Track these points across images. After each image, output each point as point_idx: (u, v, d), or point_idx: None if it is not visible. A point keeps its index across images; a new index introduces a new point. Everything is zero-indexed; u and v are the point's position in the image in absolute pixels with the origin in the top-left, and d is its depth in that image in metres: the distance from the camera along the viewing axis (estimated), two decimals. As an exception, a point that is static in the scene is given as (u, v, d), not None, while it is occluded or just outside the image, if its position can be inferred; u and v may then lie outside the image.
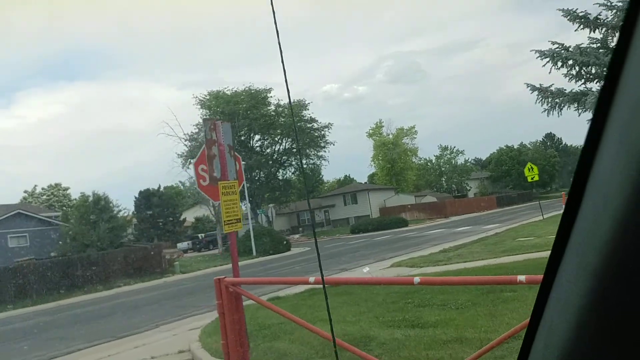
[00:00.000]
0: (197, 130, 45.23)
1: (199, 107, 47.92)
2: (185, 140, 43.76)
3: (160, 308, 16.39)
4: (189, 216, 55.09)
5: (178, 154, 44.80)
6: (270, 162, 49.83)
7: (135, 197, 48.02)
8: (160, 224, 46.91)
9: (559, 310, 0.84)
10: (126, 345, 10.31)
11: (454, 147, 77.26)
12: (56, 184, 64.88)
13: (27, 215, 37.18)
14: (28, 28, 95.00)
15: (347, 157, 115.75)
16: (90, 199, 34.15)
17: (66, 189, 64.67)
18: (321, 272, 2.55)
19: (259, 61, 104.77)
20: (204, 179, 6.55)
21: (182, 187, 55.61)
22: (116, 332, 12.53)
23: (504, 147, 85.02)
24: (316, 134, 51.26)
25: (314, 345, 6.68)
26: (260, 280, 10.79)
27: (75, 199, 61.71)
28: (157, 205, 47.40)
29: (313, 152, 52.11)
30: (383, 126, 71.34)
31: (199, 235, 52.37)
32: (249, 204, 39.19)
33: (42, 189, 63.97)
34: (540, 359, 0.95)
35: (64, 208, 54.79)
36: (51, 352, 11.12)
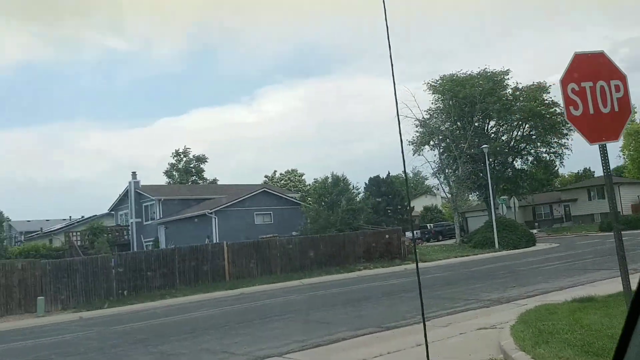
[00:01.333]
0: (428, 116, 43.74)
1: (430, 92, 46.21)
2: (417, 127, 42.45)
3: (417, 298, 15.02)
4: (417, 205, 53.95)
5: (409, 141, 43.64)
6: (506, 150, 46.23)
7: (365, 184, 48.42)
8: (389, 211, 46.50)
9: None
10: (400, 341, 8.89)
11: None
12: (292, 170, 68.78)
13: (271, 194, 39.31)
14: (270, 28, 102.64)
15: (587, 149, 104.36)
16: (329, 180, 34.70)
17: (301, 175, 68.20)
18: None
19: (483, 44, 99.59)
20: (575, 107, 4.65)
21: (411, 174, 54.63)
22: (381, 320, 11.41)
23: None
24: (558, 120, 46.15)
25: None
26: None
27: (309, 185, 64.94)
28: (386, 193, 47.16)
29: (554, 140, 47.10)
30: (636, 112, 62.15)
31: (428, 225, 50.99)
32: (490, 193, 36.58)
33: (280, 174, 68.24)
34: None
35: (300, 192, 57.69)
36: (313, 337, 10.33)
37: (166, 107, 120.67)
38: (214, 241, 33.81)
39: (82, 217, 56.54)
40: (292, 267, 26.99)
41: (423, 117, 43.16)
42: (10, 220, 51.92)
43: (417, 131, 42.76)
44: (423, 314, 3.99)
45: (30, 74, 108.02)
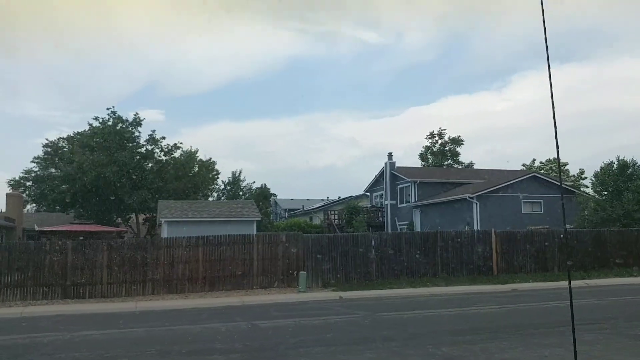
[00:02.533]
0: None
1: None
2: None
3: None
4: None
5: None
6: None
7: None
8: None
9: None
10: None
11: None
12: (553, 159, 61.88)
13: (541, 180, 34.76)
14: (520, 13, 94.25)
15: None
16: (615, 165, 29.04)
17: (564, 164, 60.95)
18: None
19: None
20: None
21: None
22: None
23: None
24: None
25: None
26: None
27: (573, 175, 57.60)
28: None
29: None
30: None
31: None
32: None
33: (540, 162, 61.96)
34: None
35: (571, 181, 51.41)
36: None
37: (416, 96, 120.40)
38: (474, 228, 30.86)
39: (339, 197, 58.19)
40: (573, 264, 22.77)
41: None
42: (276, 197, 55.77)
43: None
44: None
45: (293, 69, 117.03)
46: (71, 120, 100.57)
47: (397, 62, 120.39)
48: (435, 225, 33.68)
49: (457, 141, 58.72)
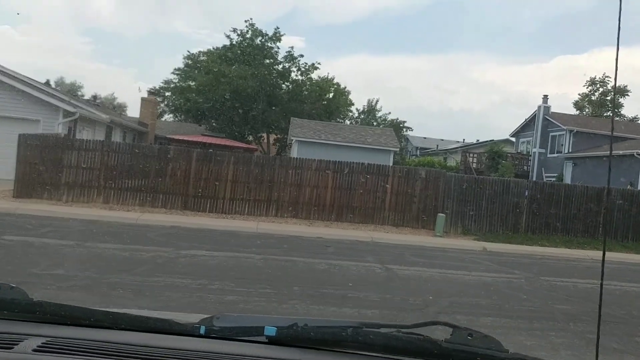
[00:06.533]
0: None
1: None
2: None
3: None
4: None
5: None
6: None
7: None
8: None
9: None
10: None
11: None
12: None
13: None
14: None
15: None
16: None
17: None
18: None
19: None
20: None
21: None
22: None
23: None
24: None
25: None
26: None
27: None
28: None
29: None
30: None
31: None
32: None
33: None
34: None
35: None
36: None
37: (566, 45, 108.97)
38: (638, 188, 26.34)
39: (477, 140, 54.02)
40: None
41: None
42: (409, 133, 52.73)
43: None
44: None
45: (439, 4, 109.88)
46: (214, 39, 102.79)
47: (549, 7, 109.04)
48: (590, 182, 29.42)
49: (621, 91, 51.62)
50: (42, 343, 1.09)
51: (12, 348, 1.06)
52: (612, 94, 51.96)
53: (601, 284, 1.76)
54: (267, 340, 1.23)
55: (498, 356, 1.16)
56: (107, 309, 1.36)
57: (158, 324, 1.29)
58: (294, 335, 1.21)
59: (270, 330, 1.22)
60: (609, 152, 31.57)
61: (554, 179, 34.99)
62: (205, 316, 1.38)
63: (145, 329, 1.27)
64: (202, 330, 1.26)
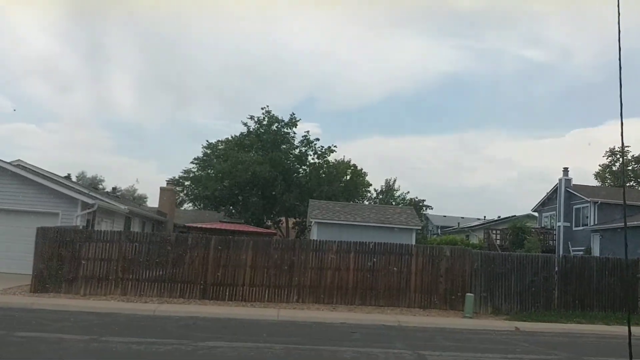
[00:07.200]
0: None
1: None
2: None
3: None
4: None
5: None
6: None
7: None
8: None
9: None
10: None
11: None
12: None
13: None
14: None
15: None
16: None
17: None
18: None
19: None
20: None
21: None
22: None
23: None
24: None
25: None
26: None
27: None
28: None
29: None
30: None
31: None
32: None
33: None
34: None
35: None
36: None
37: (581, 118, 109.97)
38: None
39: (499, 217, 53.26)
40: None
41: None
42: (428, 212, 52.24)
43: None
44: None
45: (450, 85, 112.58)
46: (232, 129, 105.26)
47: (562, 82, 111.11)
48: (620, 254, 28.46)
49: (640, 159, 51.21)
50: None
51: None
52: (622, 163, 51.38)
53: None
54: None
55: None
56: None
57: None
58: None
59: None
60: (631, 223, 30.82)
61: (581, 252, 33.98)
62: None
63: None
64: None
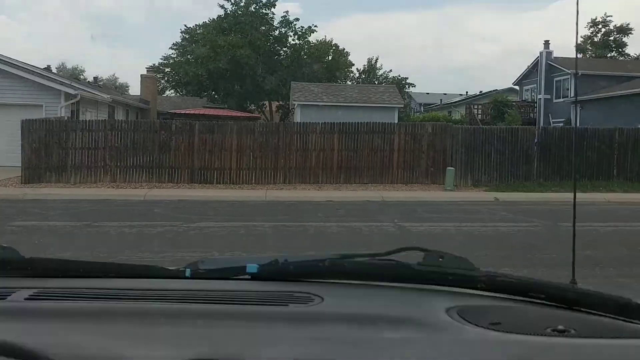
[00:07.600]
0: None
1: None
2: None
3: None
4: None
5: None
6: None
7: None
8: None
9: None
10: None
11: None
12: None
13: None
14: None
15: None
16: None
17: None
18: None
19: None
20: None
21: None
22: None
23: None
24: None
25: None
26: None
27: None
28: None
29: None
30: None
31: None
32: None
33: None
34: None
35: None
36: None
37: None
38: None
39: (480, 92, 53.31)
40: None
41: None
42: (411, 89, 52.07)
43: None
44: None
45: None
46: (210, 13, 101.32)
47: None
48: (598, 125, 28.96)
49: (624, 30, 50.52)
50: (34, 293, 1.16)
51: (5, 299, 1.12)
52: (607, 34, 50.72)
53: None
54: (249, 277, 1.28)
55: (468, 274, 1.22)
56: (96, 260, 1.45)
57: (145, 271, 1.37)
58: (275, 270, 1.26)
59: (252, 268, 1.27)
60: (621, 92, 31.16)
61: (561, 124, 34.55)
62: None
63: (132, 275, 1.34)
64: (188, 273, 1.30)
